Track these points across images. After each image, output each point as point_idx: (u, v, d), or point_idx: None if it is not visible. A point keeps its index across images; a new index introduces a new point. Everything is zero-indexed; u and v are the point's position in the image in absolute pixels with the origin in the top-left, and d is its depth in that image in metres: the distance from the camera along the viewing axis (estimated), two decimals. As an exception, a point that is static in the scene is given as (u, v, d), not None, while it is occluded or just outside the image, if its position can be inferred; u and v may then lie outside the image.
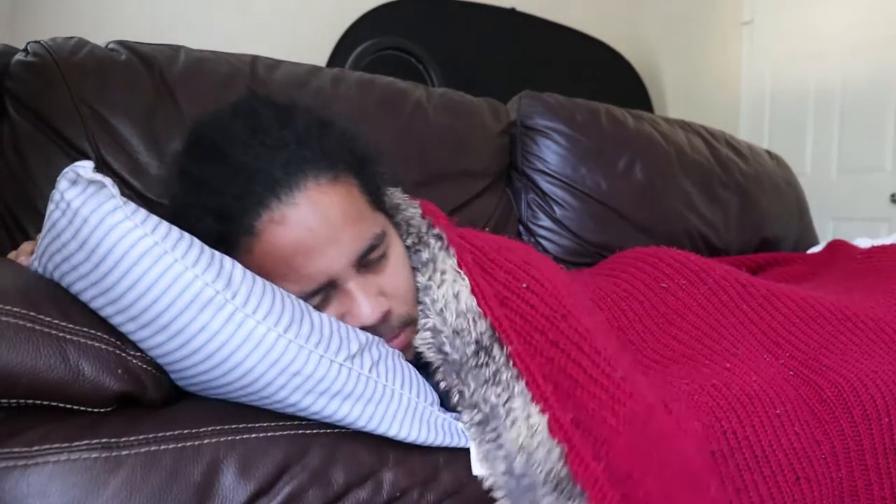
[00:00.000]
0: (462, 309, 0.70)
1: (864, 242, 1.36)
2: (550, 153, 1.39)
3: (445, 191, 1.24)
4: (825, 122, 2.81)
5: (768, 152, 1.85)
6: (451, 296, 0.72)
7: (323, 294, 0.69)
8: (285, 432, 0.61)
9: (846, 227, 2.64)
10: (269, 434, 0.59)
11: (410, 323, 0.74)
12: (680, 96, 3.30)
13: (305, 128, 0.70)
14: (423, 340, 0.71)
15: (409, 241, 0.80)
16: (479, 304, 0.71)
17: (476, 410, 0.66)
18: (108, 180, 0.57)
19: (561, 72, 2.90)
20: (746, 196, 1.63)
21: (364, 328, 0.70)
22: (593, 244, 1.38)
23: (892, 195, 2.59)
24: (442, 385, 0.69)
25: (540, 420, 0.62)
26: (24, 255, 0.71)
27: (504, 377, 0.66)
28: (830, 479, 0.69)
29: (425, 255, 0.77)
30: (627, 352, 0.82)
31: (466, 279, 0.73)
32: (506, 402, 0.65)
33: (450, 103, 1.33)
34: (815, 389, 0.74)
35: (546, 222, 1.38)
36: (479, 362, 0.67)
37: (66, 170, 0.57)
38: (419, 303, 0.74)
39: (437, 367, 0.70)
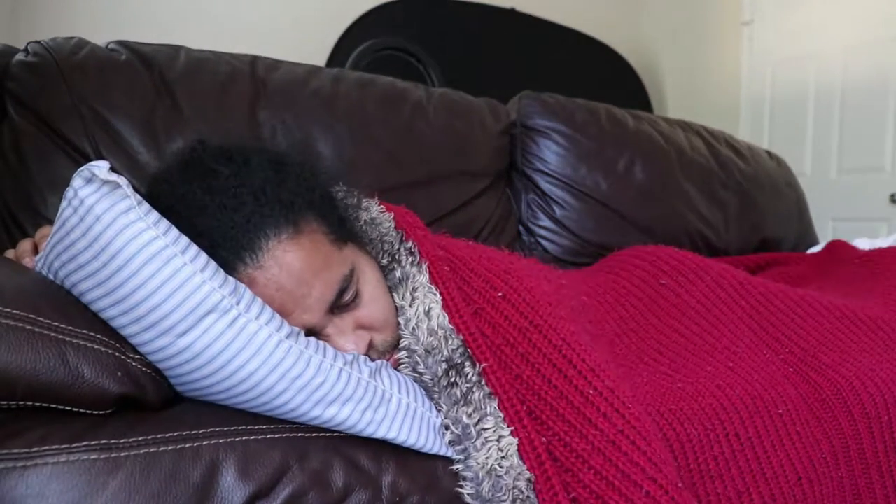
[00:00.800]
0: (433, 326, 0.69)
1: (863, 243, 1.36)
2: (550, 153, 1.39)
3: (445, 191, 1.24)
4: (825, 122, 2.81)
5: (768, 152, 1.85)
6: (422, 313, 0.71)
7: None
8: (285, 434, 0.61)
9: (846, 228, 2.64)
10: (268, 436, 0.59)
11: (396, 346, 0.74)
12: (680, 96, 3.30)
13: (262, 180, 0.68)
14: (401, 361, 0.71)
15: (384, 261, 0.78)
16: (451, 320, 0.70)
17: (448, 431, 0.65)
18: (123, 180, 0.58)
19: (561, 72, 2.90)
20: (746, 196, 1.63)
21: None
22: (593, 244, 1.38)
23: (892, 195, 2.58)
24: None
25: (511, 443, 0.61)
26: (27, 257, 0.71)
27: (476, 396, 0.65)
28: (831, 478, 0.68)
29: (398, 273, 0.76)
30: (624, 347, 0.82)
31: (438, 294, 0.72)
32: (477, 422, 0.64)
33: (450, 103, 1.33)
34: (814, 388, 0.74)
35: (546, 222, 1.38)
36: (451, 381, 0.66)
37: (81, 168, 0.58)
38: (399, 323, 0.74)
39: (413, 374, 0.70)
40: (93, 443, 0.49)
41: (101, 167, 0.57)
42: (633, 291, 0.92)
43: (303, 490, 0.58)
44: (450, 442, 0.65)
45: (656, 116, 1.62)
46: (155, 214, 0.59)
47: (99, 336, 0.55)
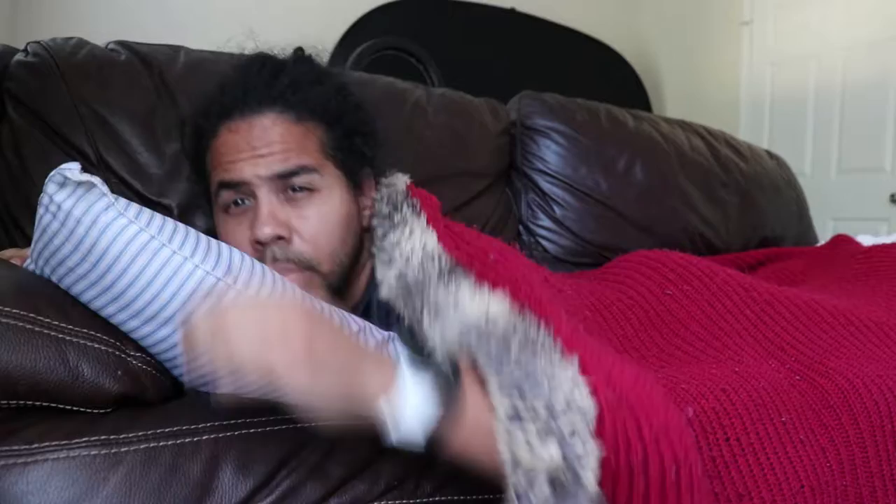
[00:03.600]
0: (429, 251, 0.70)
1: (866, 239, 1.36)
2: (550, 153, 1.39)
3: (445, 191, 1.24)
4: (825, 122, 2.81)
5: (768, 152, 1.85)
6: (418, 246, 0.71)
7: (244, 205, 0.77)
8: (283, 427, 0.61)
9: (846, 228, 2.63)
10: (266, 429, 0.59)
11: (308, 268, 0.75)
12: (680, 96, 3.30)
13: (304, 77, 0.81)
14: (388, 286, 0.71)
15: (385, 210, 0.81)
16: (446, 250, 0.70)
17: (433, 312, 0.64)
18: (96, 179, 0.58)
19: (561, 72, 2.90)
20: (746, 196, 1.63)
21: (257, 245, 0.75)
22: (593, 244, 1.38)
23: (892, 195, 2.58)
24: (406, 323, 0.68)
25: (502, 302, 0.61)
26: (16, 260, 0.71)
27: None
28: (836, 487, 0.68)
29: (397, 217, 0.78)
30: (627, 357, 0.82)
31: (434, 232, 0.74)
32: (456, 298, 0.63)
33: (449, 103, 1.33)
34: (821, 393, 0.73)
35: (546, 222, 1.38)
36: (446, 281, 0.66)
37: (52, 173, 0.58)
38: (385, 254, 0.74)
39: (398, 310, 0.69)
40: (92, 438, 0.50)
41: (72, 168, 0.58)
42: (638, 302, 0.91)
43: (301, 482, 0.58)
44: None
45: (656, 116, 1.62)
46: (135, 208, 0.59)
47: (99, 335, 0.55)
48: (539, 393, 0.53)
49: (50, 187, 0.58)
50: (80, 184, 0.57)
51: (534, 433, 0.51)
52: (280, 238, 0.74)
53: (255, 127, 0.76)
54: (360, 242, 0.85)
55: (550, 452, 0.50)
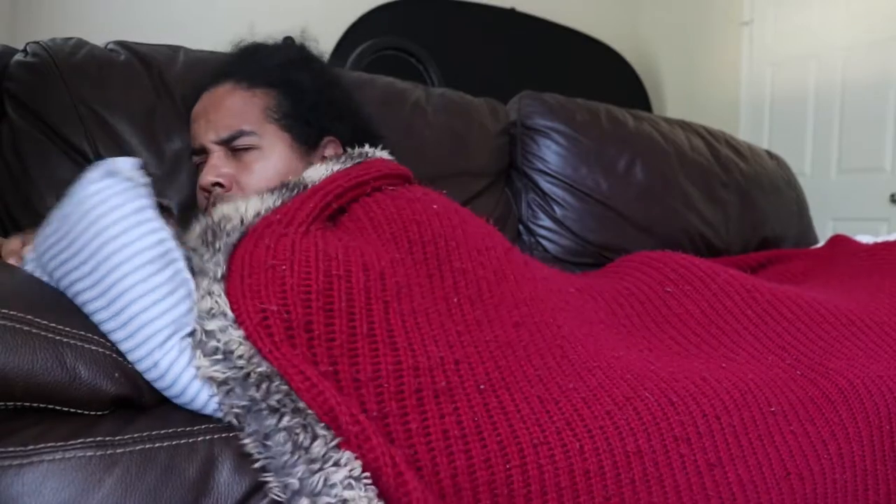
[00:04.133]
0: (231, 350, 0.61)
1: (865, 239, 1.36)
2: (550, 153, 1.39)
3: (445, 191, 1.24)
4: (825, 122, 2.81)
5: (768, 152, 1.85)
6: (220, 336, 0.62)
7: (201, 156, 0.90)
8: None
9: (846, 228, 2.64)
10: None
11: None
12: (680, 96, 3.30)
13: (272, 53, 0.95)
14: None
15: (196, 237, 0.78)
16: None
17: None
18: (146, 180, 0.61)
19: (561, 72, 2.90)
20: (746, 196, 1.63)
21: (202, 191, 0.87)
22: (594, 244, 1.38)
23: (892, 195, 2.58)
24: None
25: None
26: (13, 258, 0.71)
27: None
28: (834, 480, 0.68)
29: (206, 258, 0.71)
30: (611, 335, 0.81)
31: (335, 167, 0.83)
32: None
33: (449, 103, 1.33)
34: (822, 391, 0.74)
35: (546, 222, 1.38)
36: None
37: (107, 161, 0.61)
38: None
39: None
40: (88, 440, 0.49)
41: (125, 162, 0.61)
42: (635, 294, 0.92)
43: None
44: None
45: (656, 116, 1.62)
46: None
47: (96, 337, 0.55)
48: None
49: (96, 173, 0.60)
50: (129, 178, 0.60)
51: None
52: (220, 186, 0.85)
53: (213, 97, 0.90)
54: None
55: None
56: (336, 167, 0.84)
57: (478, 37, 2.83)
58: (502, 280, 0.77)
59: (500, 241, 0.87)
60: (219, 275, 0.62)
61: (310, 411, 0.54)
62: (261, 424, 0.54)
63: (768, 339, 0.83)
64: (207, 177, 0.86)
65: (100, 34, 1.11)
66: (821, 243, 1.55)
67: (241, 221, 0.70)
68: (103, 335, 0.56)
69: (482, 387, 0.63)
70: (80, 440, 0.49)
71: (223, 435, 0.56)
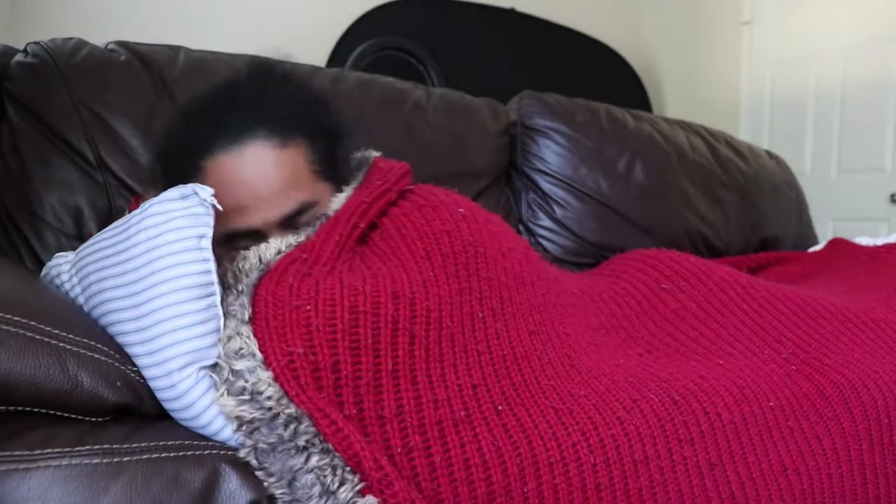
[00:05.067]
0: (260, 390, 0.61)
1: (865, 240, 1.36)
2: (550, 153, 1.39)
3: (445, 191, 1.24)
4: (825, 122, 2.81)
5: (768, 152, 1.85)
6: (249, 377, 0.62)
7: (252, 239, 0.74)
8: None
9: (846, 228, 2.64)
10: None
11: None
12: (680, 96, 3.30)
13: (273, 93, 0.79)
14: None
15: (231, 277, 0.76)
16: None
17: None
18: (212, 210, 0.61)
19: (561, 72, 2.90)
20: (746, 196, 1.63)
21: None
22: (593, 244, 1.38)
23: (892, 195, 2.58)
24: None
25: None
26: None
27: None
28: (830, 475, 0.69)
29: (231, 300, 0.69)
30: (608, 339, 0.82)
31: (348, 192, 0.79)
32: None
33: (449, 103, 1.33)
34: (817, 387, 0.74)
35: (546, 222, 1.38)
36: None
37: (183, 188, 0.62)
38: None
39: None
40: (95, 447, 0.49)
41: (206, 190, 0.62)
42: (632, 293, 0.92)
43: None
44: None
45: (656, 116, 1.62)
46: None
47: (99, 345, 0.55)
48: None
49: (170, 193, 0.61)
50: (204, 202, 0.61)
51: None
52: None
53: (247, 162, 0.74)
54: None
55: None
56: (353, 184, 0.81)
57: (478, 37, 2.83)
58: (521, 286, 0.78)
59: (519, 241, 0.87)
60: (245, 317, 0.61)
61: (337, 453, 0.55)
62: (286, 463, 0.54)
63: (765, 332, 0.83)
64: None
65: (100, 34, 1.11)
66: (821, 243, 1.56)
67: (260, 260, 0.67)
68: (106, 343, 0.56)
69: (500, 408, 0.63)
70: (86, 447, 0.49)
71: (230, 452, 0.56)
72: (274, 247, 0.69)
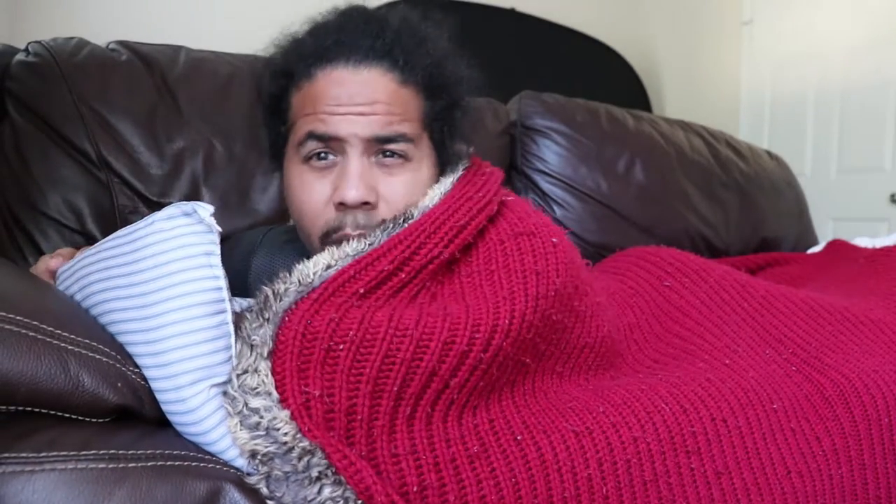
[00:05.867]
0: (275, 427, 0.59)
1: (864, 241, 1.36)
2: (550, 153, 1.39)
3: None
4: (825, 122, 2.81)
5: (768, 152, 1.85)
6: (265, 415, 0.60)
7: (328, 159, 0.72)
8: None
9: (846, 227, 2.64)
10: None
11: (376, 226, 0.71)
12: (680, 96, 3.30)
13: (412, 38, 0.76)
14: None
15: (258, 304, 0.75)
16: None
17: None
18: (217, 228, 0.60)
19: (561, 72, 2.90)
20: (746, 196, 1.63)
21: (340, 207, 0.71)
22: (593, 244, 1.38)
23: (892, 195, 2.58)
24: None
25: None
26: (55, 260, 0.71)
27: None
28: (831, 476, 0.69)
29: (254, 327, 0.67)
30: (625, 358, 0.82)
31: (444, 188, 0.74)
32: None
33: (450, 103, 1.33)
34: (817, 387, 0.74)
35: (546, 222, 1.38)
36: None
37: (184, 204, 0.60)
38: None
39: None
40: (101, 451, 0.49)
41: (206, 208, 0.59)
42: (639, 293, 0.93)
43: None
44: None
45: (656, 116, 1.63)
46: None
47: (100, 346, 0.55)
48: None
49: (172, 210, 0.60)
50: (203, 221, 0.59)
51: None
52: (366, 203, 0.71)
53: (360, 80, 0.71)
54: None
55: None
56: (451, 178, 0.75)
57: (478, 37, 2.82)
58: (576, 322, 0.74)
59: (582, 264, 0.82)
60: (265, 353, 0.57)
61: (349, 486, 0.53)
62: (298, 494, 0.53)
63: (765, 331, 0.83)
64: (353, 192, 0.70)
65: (101, 34, 1.11)
66: (821, 243, 1.56)
67: (300, 282, 0.61)
68: (108, 344, 0.56)
69: (519, 437, 0.61)
70: (93, 451, 0.49)
71: (233, 470, 0.56)
72: (323, 261, 0.64)
